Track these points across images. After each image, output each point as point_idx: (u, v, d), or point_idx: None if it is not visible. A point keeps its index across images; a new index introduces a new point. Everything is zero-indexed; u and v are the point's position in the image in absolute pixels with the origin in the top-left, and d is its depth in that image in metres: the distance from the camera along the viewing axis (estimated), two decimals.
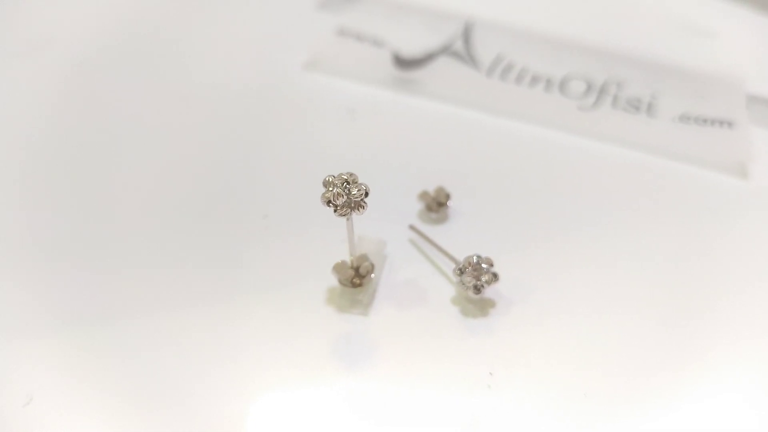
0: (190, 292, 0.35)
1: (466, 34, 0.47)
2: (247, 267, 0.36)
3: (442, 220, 0.38)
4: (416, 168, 0.40)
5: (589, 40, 0.47)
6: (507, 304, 0.35)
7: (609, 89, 0.44)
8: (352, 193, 0.31)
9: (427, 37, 0.47)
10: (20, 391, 0.31)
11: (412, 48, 0.46)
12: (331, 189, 0.31)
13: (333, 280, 0.35)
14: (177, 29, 0.48)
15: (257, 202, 0.38)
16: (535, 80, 0.45)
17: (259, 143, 0.41)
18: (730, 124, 0.42)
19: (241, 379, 0.32)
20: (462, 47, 0.46)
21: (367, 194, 0.32)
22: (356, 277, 0.34)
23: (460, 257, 0.35)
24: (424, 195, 0.38)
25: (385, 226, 0.37)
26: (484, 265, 0.34)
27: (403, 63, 0.45)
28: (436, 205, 0.38)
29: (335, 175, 0.32)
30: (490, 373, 0.32)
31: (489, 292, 0.35)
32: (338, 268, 0.34)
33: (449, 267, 0.35)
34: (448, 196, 0.38)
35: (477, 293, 0.34)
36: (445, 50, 0.46)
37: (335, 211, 0.31)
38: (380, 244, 0.36)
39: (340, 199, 0.31)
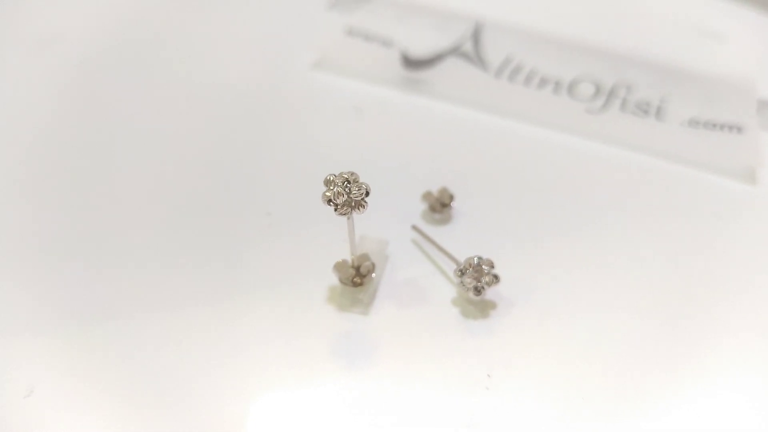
0: (191, 289, 0.35)
1: (476, 36, 0.47)
2: (249, 265, 0.36)
3: (446, 220, 0.38)
4: (421, 168, 0.40)
5: (599, 42, 0.47)
6: (508, 306, 0.35)
7: (618, 92, 0.44)
8: (353, 192, 0.31)
9: (437, 38, 0.47)
10: (21, 383, 0.32)
11: (420, 48, 0.46)
12: (331, 188, 0.31)
13: (334, 279, 0.35)
14: (186, 27, 0.48)
15: (261, 200, 0.39)
16: (543, 82, 0.44)
17: (264, 141, 0.41)
18: (739, 129, 0.42)
19: (241, 375, 0.33)
20: (471, 48, 0.46)
21: (367, 194, 0.32)
22: (357, 277, 0.34)
23: (462, 258, 0.35)
24: (427, 195, 0.38)
25: (388, 225, 0.37)
26: (484, 267, 0.34)
27: (412, 63, 0.45)
28: (440, 205, 0.38)
29: (336, 174, 0.32)
30: (488, 375, 0.32)
31: (490, 293, 0.35)
32: (339, 266, 0.34)
33: (451, 268, 0.35)
34: (451, 197, 0.38)
35: (477, 295, 0.34)
36: (454, 51, 0.46)
37: (335, 210, 0.31)
38: (382, 244, 0.36)
39: (341, 198, 0.31)
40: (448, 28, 0.47)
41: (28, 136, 0.41)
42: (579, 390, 0.32)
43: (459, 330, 0.34)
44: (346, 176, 0.32)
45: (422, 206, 0.38)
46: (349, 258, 0.34)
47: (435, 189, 0.38)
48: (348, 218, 0.32)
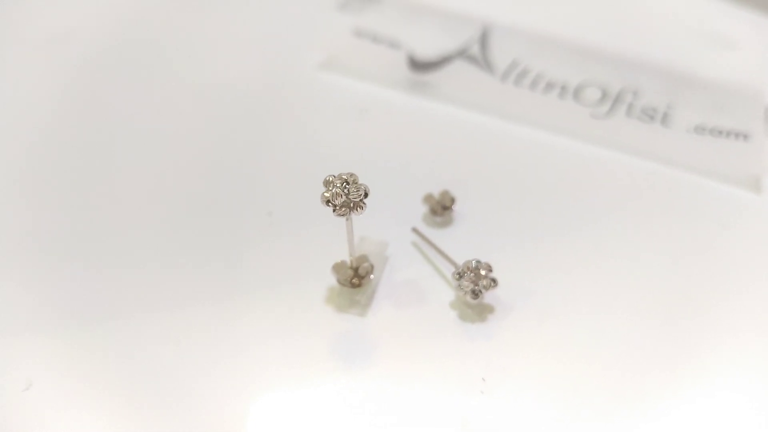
0: (191, 287, 0.35)
1: (483, 39, 0.47)
2: (249, 264, 0.36)
3: (447, 223, 0.38)
4: (424, 170, 0.40)
5: (607, 47, 0.46)
6: (506, 311, 0.35)
7: (624, 97, 0.44)
8: (351, 193, 0.31)
9: (444, 41, 0.47)
10: (19, 377, 0.32)
11: (427, 51, 0.46)
12: (330, 188, 0.31)
13: (334, 280, 0.35)
14: (193, 25, 0.48)
15: (262, 200, 0.39)
16: (549, 86, 0.44)
17: (268, 141, 0.42)
18: (745, 137, 0.42)
19: (239, 374, 0.33)
20: (478, 51, 0.46)
21: (366, 195, 0.32)
22: (355, 278, 0.35)
23: (461, 262, 0.35)
24: (428, 198, 0.38)
25: (388, 227, 0.37)
26: (482, 270, 0.34)
27: (418, 65, 0.45)
28: (441, 208, 0.38)
29: (335, 175, 0.32)
30: (483, 379, 0.32)
31: (489, 297, 0.35)
32: (337, 267, 0.35)
33: (450, 271, 0.35)
34: (453, 200, 0.38)
35: (475, 298, 0.34)
36: (461, 54, 0.46)
37: (334, 210, 0.32)
38: (382, 246, 0.36)
39: (339, 199, 0.31)
40: (456, 31, 0.47)
41: (28, 136, 0.41)
42: (575, 396, 0.32)
43: (456, 333, 0.34)
44: (345, 177, 0.32)
45: (423, 209, 0.38)
46: (347, 259, 0.35)
47: (437, 192, 0.38)
48: (347, 219, 0.32)
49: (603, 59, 0.46)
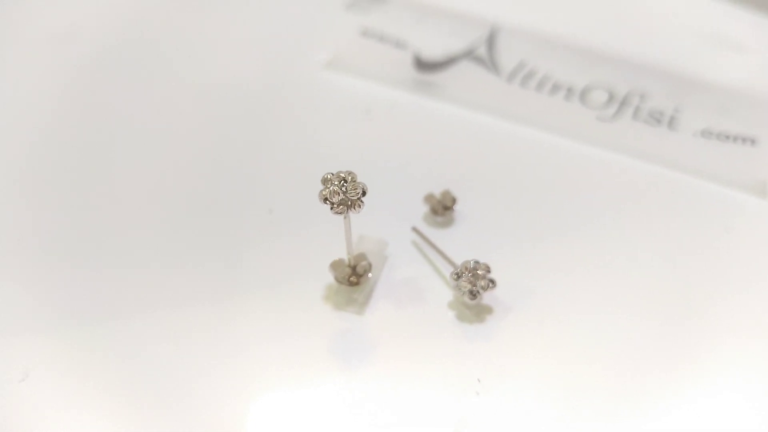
0: (190, 286, 0.35)
1: (491, 40, 0.47)
2: (249, 262, 0.36)
3: (448, 223, 0.38)
4: (427, 170, 0.40)
5: (615, 50, 0.46)
6: (504, 312, 0.35)
7: (631, 100, 0.43)
8: (349, 191, 0.31)
9: (451, 41, 0.47)
10: (17, 366, 0.32)
11: (434, 51, 0.46)
12: (328, 186, 0.31)
13: (332, 278, 0.35)
14: (199, 24, 0.48)
15: (264, 198, 0.39)
16: (556, 88, 0.44)
17: (271, 139, 0.42)
18: (753, 142, 0.41)
19: (236, 372, 0.33)
20: (485, 52, 0.46)
21: (364, 193, 0.32)
22: (353, 276, 0.34)
23: (460, 262, 0.34)
24: (429, 198, 0.38)
25: (389, 226, 0.37)
26: (480, 271, 0.34)
27: (424, 65, 0.45)
28: (442, 208, 0.38)
29: (333, 173, 0.32)
30: (479, 380, 0.32)
31: (488, 298, 0.34)
32: (335, 265, 0.34)
33: (449, 271, 0.35)
34: (454, 200, 0.38)
35: (473, 299, 0.33)
36: (468, 55, 0.46)
37: (331, 208, 0.32)
38: (381, 244, 0.36)
39: (336, 197, 0.31)
40: (464, 31, 0.47)
41: (28, 135, 0.41)
42: (572, 397, 0.32)
43: (454, 334, 0.34)
44: (343, 175, 0.32)
45: (425, 208, 0.38)
46: (345, 257, 0.35)
47: (440, 192, 0.38)
48: (344, 217, 0.32)
49: (610, 62, 0.45)
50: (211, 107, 0.43)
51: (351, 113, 0.43)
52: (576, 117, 0.43)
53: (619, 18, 0.48)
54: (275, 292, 0.35)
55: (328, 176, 0.32)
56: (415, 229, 0.37)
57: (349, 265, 0.34)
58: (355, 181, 0.32)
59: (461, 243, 0.37)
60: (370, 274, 0.35)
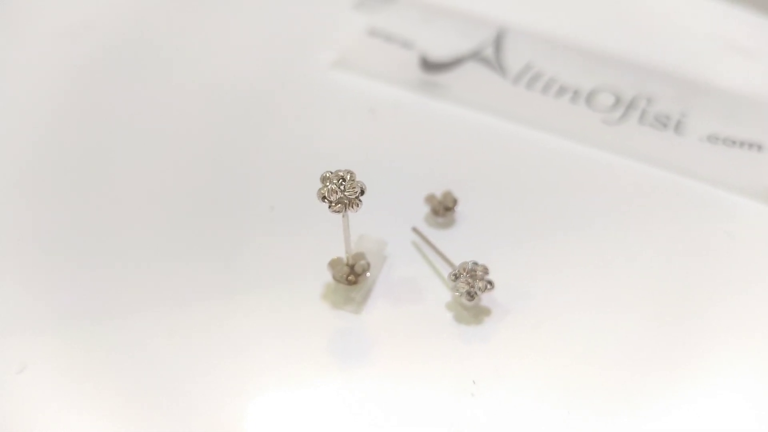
0: (188, 283, 0.35)
1: (498, 41, 0.47)
2: (250, 260, 0.36)
3: (448, 224, 0.38)
4: (430, 171, 0.40)
5: (622, 53, 0.46)
6: (503, 314, 0.35)
7: (638, 104, 0.43)
8: (347, 190, 0.31)
9: (458, 42, 0.46)
10: (14, 359, 0.33)
11: (441, 51, 0.46)
12: (326, 185, 0.31)
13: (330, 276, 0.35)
14: (207, 23, 0.48)
15: (265, 196, 0.39)
16: (562, 91, 0.44)
17: (275, 138, 0.42)
18: (759, 147, 0.41)
19: (233, 370, 0.33)
20: (492, 54, 0.46)
21: (362, 192, 0.32)
22: (351, 275, 0.34)
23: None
24: (430, 198, 0.38)
25: (390, 226, 0.37)
26: (478, 272, 0.33)
27: (430, 66, 0.45)
28: (443, 209, 0.37)
29: (332, 172, 0.32)
30: (473, 382, 0.32)
31: (486, 300, 0.34)
32: (334, 264, 0.35)
33: (448, 272, 0.35)
34: (455, 201, 0.38)
35: (470, 300, 0.33)
36: (475, 56, 0.46)
37: (329, 207, 0.32)
38: (381, 244, 0.36)
39: (334, 195, 0.31)
40: (471, 32, 0.47)
41: (29, 135, 0.42)
42: (566, 401, 0.32)
43: (451, 335, 0.34)
44: (341, 174, 0.32)
45: (426, 209, 0.38)
46: (344, 256, 0.35)
47: (441, 192, 0.38)
48: (342, 216, 0.32)
49: (617, 65, 0.45)
50: (217, 105, 0.43)
51: (355, 113, 0.43)
52: (581, 120, 0.43)
53: (627, 21, 0.48)
54: (273, 290, 0.35)
55: (327, 174, 0.32)
56: (415, 230, 0.37)
57: (348, 264, 0.34)
58: (353, 180, 0.32)
59: (462, 244, 0.37)
60: (368, 274, 0.35)
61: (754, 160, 0.40)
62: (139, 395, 0.32)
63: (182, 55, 0.46)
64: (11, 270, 0.36)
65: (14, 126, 0.42)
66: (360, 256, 0.35)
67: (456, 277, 0.34)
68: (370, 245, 0.36)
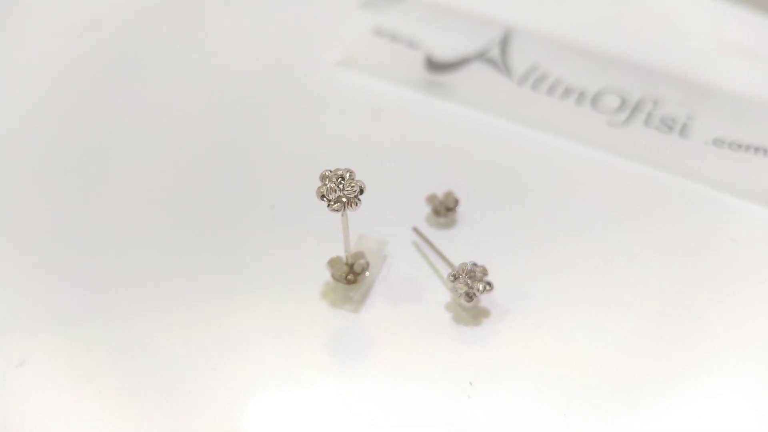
0: (187, 282, 0.36)
1: (504, 42, 0.46)
2: (250, 259, 0.36)
3: (450, 225, 0.38)
4: (432, 171, 0.40)
5: (628, 55, 0.45)
6: (502, 315, 0.34)
7: (644, 106, 0.43)
8: (346, 189, 0.31)
9: (464, 43, 0.46)
10: (14, 358, 0.33)
11: (446, 52, 0.46)
12: (325, 183, 0.31)
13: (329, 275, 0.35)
14: (213, 21, 0.48)
15: (266, 195, 0.39)
16: (567, 92, 0.44)
17: (278, 137, 0.42)
18: (765, 152, 0.40)
19: (232, 369, 0.33)
20: (498, 54, 0.46)
21: (362, 191, 0.32)
22: (350, 274, 0.34)
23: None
24: (431, 198, 0.38)
25: (390, 225, 0.37)
26: (478, 273, 0.33)
27: (436, 66, 0.45)
28: (444, 209, 0.37)
29: (332, 170, 0.32)
30: (470, 383, 0.32)
31: (486, 301, 0.34)
32: (333, 263, 0.34)
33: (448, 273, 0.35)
34: (456, 201, 0.37)
35: (469, 301, 0.33)
36: (480, 56, 0.46)
37: (328, 206, 0.32)
38: (381, 244, 0.36)
39: (333, 194, 0.31)
40: (477, 33, 0.47)
41: (29, 135, 0.42)
42: (563, 402, 0.32)
43: (449, 336, 0.34)
44: (341, 173, 0.32)
45: (428, 209, 0.38)
46: (343, 255, 0.34)
47: (443, 192, 0.38)
48: (342, 215, 0.32)
49: (623, 67, 0.45)
50: (219, 104, 0.43)
51: (359, 112, 0.43)
52: (586, 122, 0.42)
53: (634, 23, 0.48)
54: (273, 289, 0.35)
55: (326, 173, 0.32)
56: (415, 230, 0.37)
57: (347, 263, 0.34)
58: (353, 179, 0.32)
59: (462, 245, 0.37)
60: (367, 273, 0.35)
61: (759, 165, 0.40)
62: (139, 394, 0.32)
63: (184, 54, 0.46)
64: (12, 269, 0.36)
65: (14, 126, 0.42)
66: (359, 255, 0.35)
67: (455, 278, 0.33)
68: (370, 244, 0.36)
